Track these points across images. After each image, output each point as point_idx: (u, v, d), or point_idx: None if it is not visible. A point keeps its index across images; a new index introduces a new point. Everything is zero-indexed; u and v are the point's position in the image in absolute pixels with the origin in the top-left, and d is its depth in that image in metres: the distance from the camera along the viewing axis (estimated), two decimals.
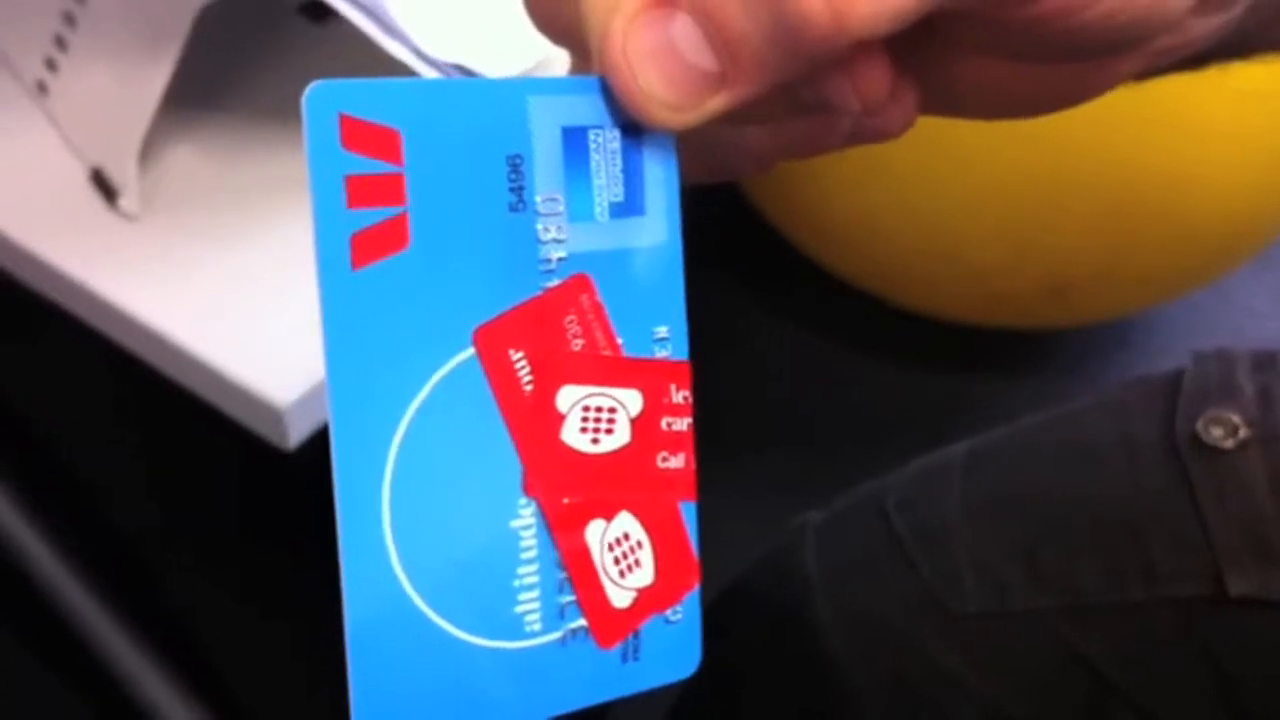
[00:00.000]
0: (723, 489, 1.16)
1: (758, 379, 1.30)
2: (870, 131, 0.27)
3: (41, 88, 0.66)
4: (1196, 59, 0.28)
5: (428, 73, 0.56)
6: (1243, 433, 0.55)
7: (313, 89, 0.22)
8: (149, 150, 0.63)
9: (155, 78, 0.59)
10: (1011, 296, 1.17)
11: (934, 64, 0.27)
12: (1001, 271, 1.13)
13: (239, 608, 1.06)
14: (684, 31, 0.22)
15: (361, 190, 0.22)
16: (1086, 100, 0.28)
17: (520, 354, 0.24)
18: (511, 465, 0.24)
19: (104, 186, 0.63)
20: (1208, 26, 0.27)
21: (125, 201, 0.63)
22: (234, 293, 0.61)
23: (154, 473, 1.11)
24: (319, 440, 0.58)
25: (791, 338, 1.32)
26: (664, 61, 0.23)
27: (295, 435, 0.58)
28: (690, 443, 0.26)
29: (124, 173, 0.62)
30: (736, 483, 1.19)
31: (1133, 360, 1.32)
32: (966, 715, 0.56)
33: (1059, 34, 0.25)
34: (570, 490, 0.25)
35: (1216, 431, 0.55)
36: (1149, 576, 0.55)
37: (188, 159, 0.66)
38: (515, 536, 0.24)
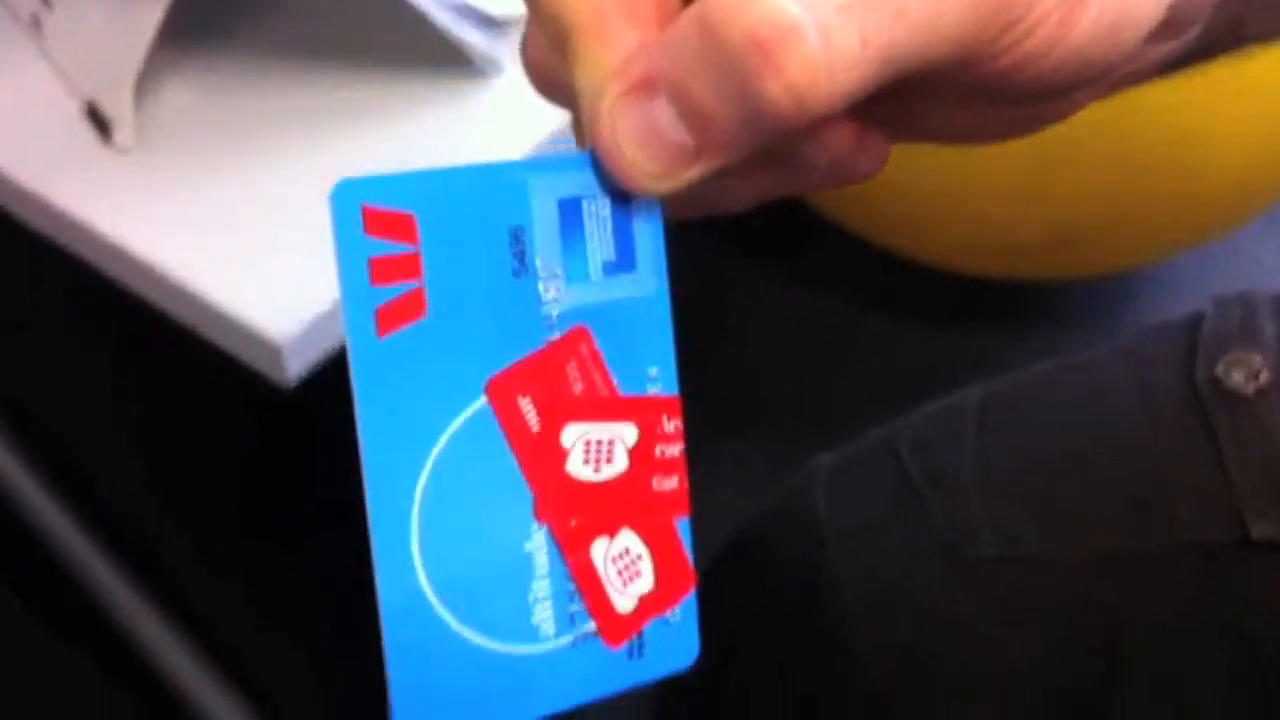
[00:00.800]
0: (738, 446, 1.15)
1: (768, 335, 1.29)
2: (842, 176, 0.29)
3: (36, 23, 0.65)
4: (1162, 70, 0.31)
5: (432, 11, 0.56)
6: (1264, 377, 0.54)
7: (338, 186, 0.25)
8: (144, 85, 0.62)
9: (150, 11, 0.58)
10: (1020, 248, 1.16)
11: (901, 110, 0.29)
12: (1009, 222, 1.12)
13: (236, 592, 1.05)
14: (662, 112, 0.25)
15: (383, 269, 0.25)
16: (1056, 123, 0.30)
17: (527, 399, 0.27)
18: (524, 496, 0.27)
19: (99, 121, 0.62)
20: (1164, 50, 0.30)
21: (120, 136, 0.62)
22: (231, 227, 0.60)
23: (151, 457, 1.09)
24: (312, 398, 0.57)
25: (800, 293, 1.31)
26: (646, 138, 0.26)
27: (294, 370, 0.57)
28: (683, 466, 0.29)
29: (119, 107, 0.61)
30: (750, 439, 1.18)
31: (1141, 313, 1.31)
32: (977, 667, 0.55)
33: (1016, 85, 0.27)
34: (576, 514, 0.28)
35: (1237, 375, 0.54)
36: (1169, 523, 0.54)
37: (183, 93, 0.65)
38: (529, 557, 0.28)
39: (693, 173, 0.26)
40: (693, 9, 0.25)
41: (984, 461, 0.57)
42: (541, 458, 0.27)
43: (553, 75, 0.29)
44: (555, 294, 0.27)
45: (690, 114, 0.25)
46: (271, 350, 0.56)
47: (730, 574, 0.63)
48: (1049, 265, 1.21)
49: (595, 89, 0.27)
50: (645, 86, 0.26)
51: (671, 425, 0.29)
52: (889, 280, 1.28)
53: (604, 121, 0.26)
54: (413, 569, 0.27)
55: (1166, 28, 0.28)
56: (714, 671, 0.62)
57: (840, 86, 0.24)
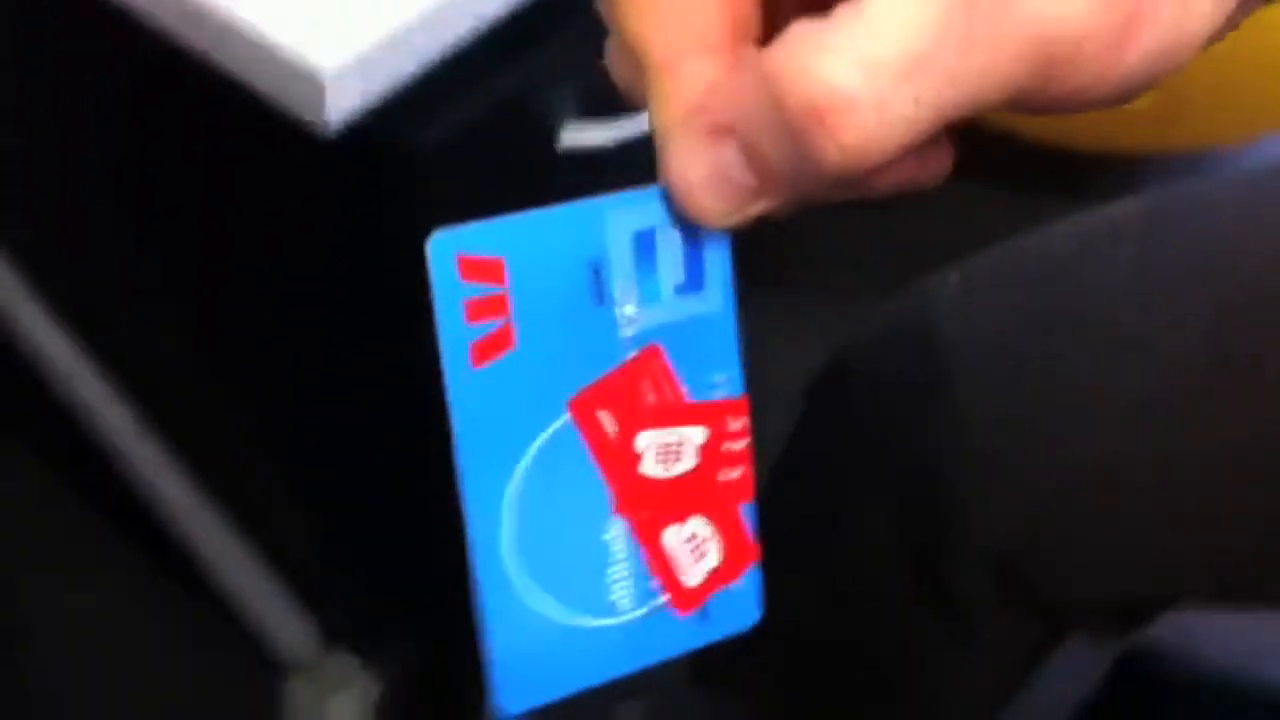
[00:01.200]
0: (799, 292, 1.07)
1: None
2: (911, 188, 0.31)
3: None
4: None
5: None
6: None
7: (435, 238, 0.28)
8: None
9: None
10: (1123, 118, 1.07)
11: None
12: None
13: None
14: (730, 157, 0.28)
15: (476, 309, 0.28)
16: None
17: (605, 412, 0.30)
18: (602, 495, 0.31)
19: None
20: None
21: None
22: None
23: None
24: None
25: None
26: (714, 180, 0.28)
27: (336, 112, 0.49)
28: (748, 458, 0.32)
29: None
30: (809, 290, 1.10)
31: None
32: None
33: (1070, 108, 0.28)
34: (650, 507, 0.31)
35: None
36: None
37: None
38: (607, 545, 0.31)
39: (757, 209, 0.29)
40: (762, 67, 0.27)
41: (1143, 279, 0.49)
42: (618, 461, 0.31)
43: (633, 88, 0.31)
44: (630, 317, 0.30)
45: (754, 162, 0.27)
46: (314, 87, 0.49)
47: (833, 396, 0.56)
48: (1153, 137, 1.12)
49: (668, 128, 0.29)
50: (714, 133, 0.28)
51: (737, 424, 0.32)
52: (988, 150, 1.18)
53: (675, 162, 0.28)
54: (503, 561, 0.30)
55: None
56: (820, 497, 0.55)
57: (893, 143, 0.26)
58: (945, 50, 0.25)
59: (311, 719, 0.97)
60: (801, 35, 0.26)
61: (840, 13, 0.25)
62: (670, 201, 0.29)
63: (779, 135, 0.26)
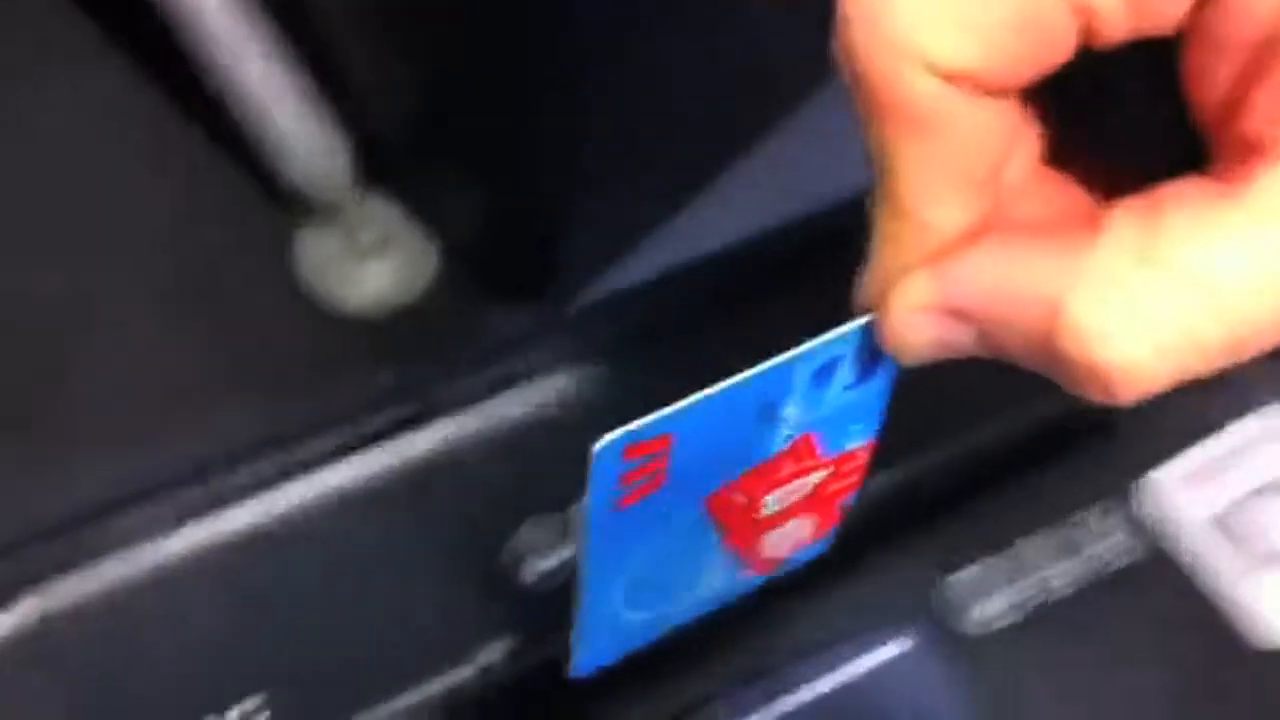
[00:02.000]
0: None
1: None
2: None
3: None
4: None
5: None
6: None
7: (599, 450, 0.25)
8: None
9: None
10: None
11: None
12: None
13: None
14: (963, 337, 0.25)
15: (631, 475, 0.27)
16: None
17: (739, 492, 0.29)
18: (714, 536, 0.30)
19: None
20: None
21: None
22: None
23: None
24: None
25: None
26: (937, 348, 0.25)
27: None
28: (860, 474, 0.31)
29: None
30: None
31: None
32: None
33: None
34: (757, 532, 0.31)
35: None
36: None
37: None
38: (708, 562, 0.31)
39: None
40: (1035, 291, 0.23)
41: None
42: (742, 522, 0.30)
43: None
44: (791, 426, 0.28)
45: (990, 348, 0.25)
46: None
47: None
48: None
49: (896, 273, 0.25)
50: (954, 315, 0.25)
51: (861, 459, 0.30)
52: None
53: (898, 321, 0.25)
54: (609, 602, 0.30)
55: None
56: None
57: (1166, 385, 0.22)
58: None
59: (340, 279, 0.77)
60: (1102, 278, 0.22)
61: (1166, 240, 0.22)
62: (865, 336, 0.27)
63: (1036, 354, 0.23)
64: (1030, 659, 0.34)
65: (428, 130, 0.76)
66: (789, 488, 0.30)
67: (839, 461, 0.30)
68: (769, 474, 0.29)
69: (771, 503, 0.30)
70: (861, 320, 0.27)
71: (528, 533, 0.37)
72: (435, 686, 0.34)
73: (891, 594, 0.35)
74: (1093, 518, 0.36)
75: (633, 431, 0.26)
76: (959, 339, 0.25)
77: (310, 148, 0.74)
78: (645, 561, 0.29)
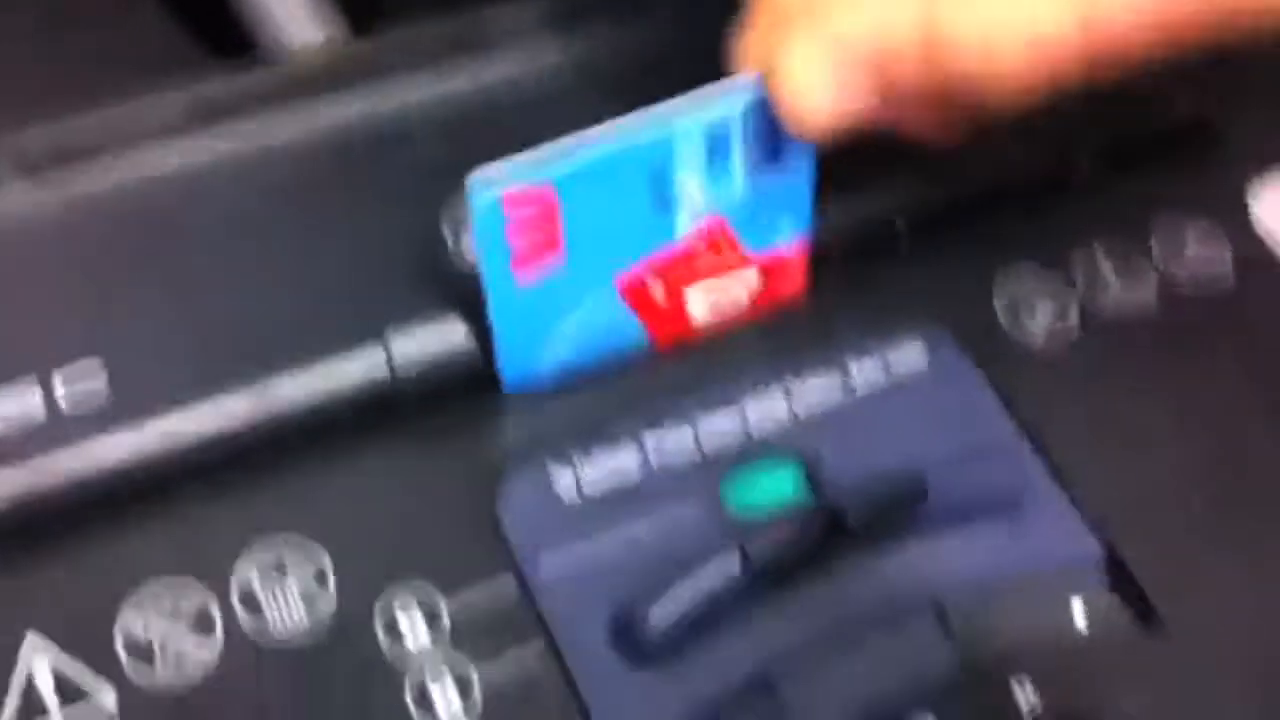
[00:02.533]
0: None
1: None
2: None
3: None
4: None
5: None
6: None
7: (474, 182, 0.24)
8: None
9: None
10: None
11: None
12: None
13: None
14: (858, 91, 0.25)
15: (520, 228, 0.25)
16: None
17: (656, 280, 0.27)
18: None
19: None
20: None
21: None
22: None
23: None
24: None
25: None
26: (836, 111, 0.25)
27: None
28: (800, 283, 0.29)
29: None
30: None
31: None
32: None
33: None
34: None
35: None
36: None
37: None
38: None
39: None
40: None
41: None
42: (667, 320, 0.28)
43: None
44: (694, 208, 0.27)
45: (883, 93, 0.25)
46: None
47: None
48: None
49: (777, 34, 0.26)
50: (848, 66, 0.25)
51: (798, 263, 0.29)
52: None
53: (795, 87, 0.25)
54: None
55: None
56: None
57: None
58: None
59: None
60: None
61: None
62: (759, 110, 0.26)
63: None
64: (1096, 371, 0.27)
65: None
66: (714, 284, 0.28)
67: (770, 264, 0.28)
68: (685, 262, 0.27)
69: (697, 302, 0.28)
70: (744, 84, 0.25)
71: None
72: (336, 374, 0.27)
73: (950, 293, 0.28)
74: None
75: (510, 169, 0.24)
76: (854, 94, 0.25)
77: None
78: (565, 345, 0.27)
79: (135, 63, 0.43)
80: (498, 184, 0.24)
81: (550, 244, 0.25)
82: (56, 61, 0.45)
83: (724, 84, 0.25)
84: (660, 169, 0.26)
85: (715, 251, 0.28)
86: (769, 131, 0.26)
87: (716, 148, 0.26)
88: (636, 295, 0.27)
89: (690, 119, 0.25)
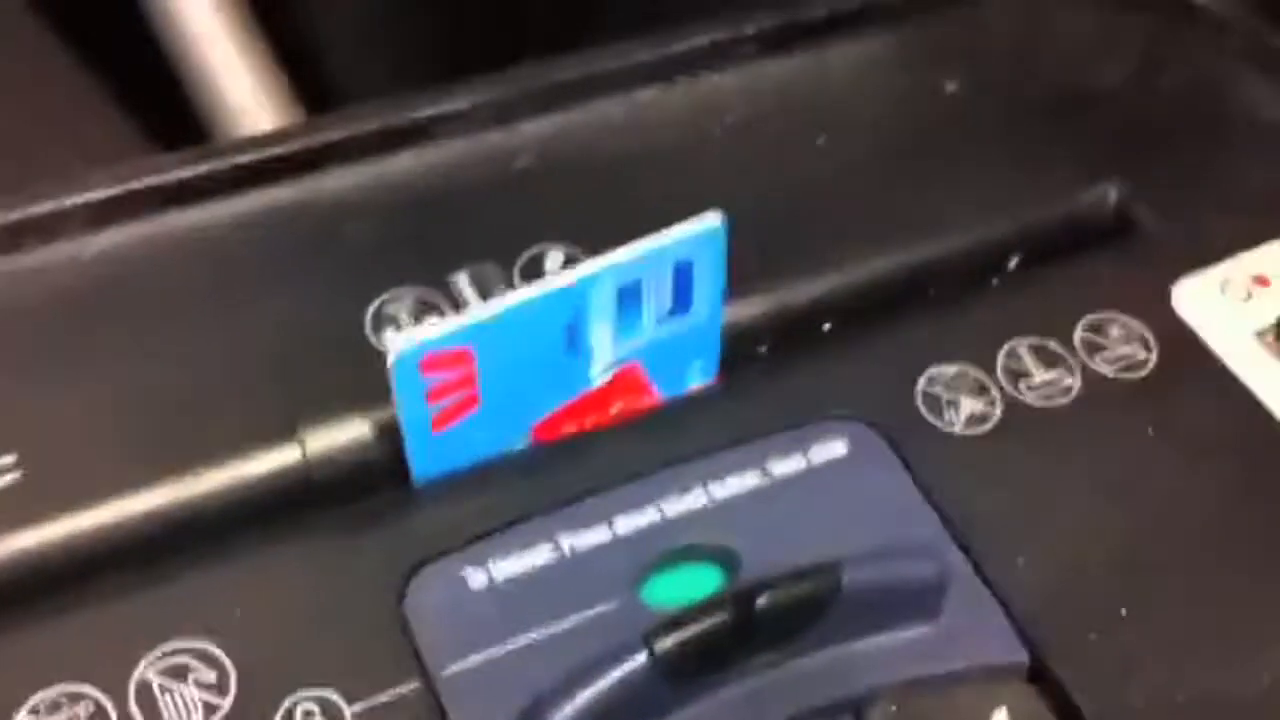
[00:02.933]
0: None
1: None
2: None
3: None
4: None
5: None
6: None
7: (397, 357, 0.25)
8: None
9: None
10: None
11: None
12: None
13: None
14: None
15: (439, 392, 0.26)
16: None
17: (571, 425, 0.28)
18: None
19: None
20: None
21: None
22: None
23: None
24: None
25: None
26: None
27: None
28: None
29: None
30: None
31: None
32: None
33: None
34: None
35: None
36: None
37: None
38: None
39: None
40: None
41: None
42: None
43: None
44: (606, 355, 0.27)
45: None
46: None
47: None
48: None
49: None
50: None
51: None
52: None
53: None
54: None
55: None
56: None
57: None
58: None
59: None
60: None
61: None
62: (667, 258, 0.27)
63: None
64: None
65: None
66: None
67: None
68: (597, 406, 0.28)
69: None
70: (657, 241, 0.26)
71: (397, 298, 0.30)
72: (247, 468, 0.26)
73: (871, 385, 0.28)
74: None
75: (428, 341, 0.25)
76: None
77: None
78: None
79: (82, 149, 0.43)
80: (417, 348, 0.25)
81: (468, 402, 0.26)
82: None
83: (639, 242, 0.26)
84: (575, 320, 0.26)
85: (628, 395, 0.28)
86: (679, 281, 0.27)
87: (627, 298, 0.27)
88: (552, 439, 0.28)
89: (604, 271, 0.26)
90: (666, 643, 0.22)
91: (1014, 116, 0.34)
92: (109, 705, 0.23)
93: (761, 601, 0.23)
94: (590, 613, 0.24)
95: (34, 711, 0.23)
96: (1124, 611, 0.25)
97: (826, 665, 0.23)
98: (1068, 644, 0.24)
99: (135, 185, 0.31)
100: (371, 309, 0.29)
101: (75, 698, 0.23)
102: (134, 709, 0.23)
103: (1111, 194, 0.32)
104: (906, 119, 0.34)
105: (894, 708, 0.23)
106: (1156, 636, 0.25)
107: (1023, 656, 0.24)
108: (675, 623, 0.23)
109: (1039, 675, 0.24)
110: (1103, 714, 0.24)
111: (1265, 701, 0.24)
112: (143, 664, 0.23)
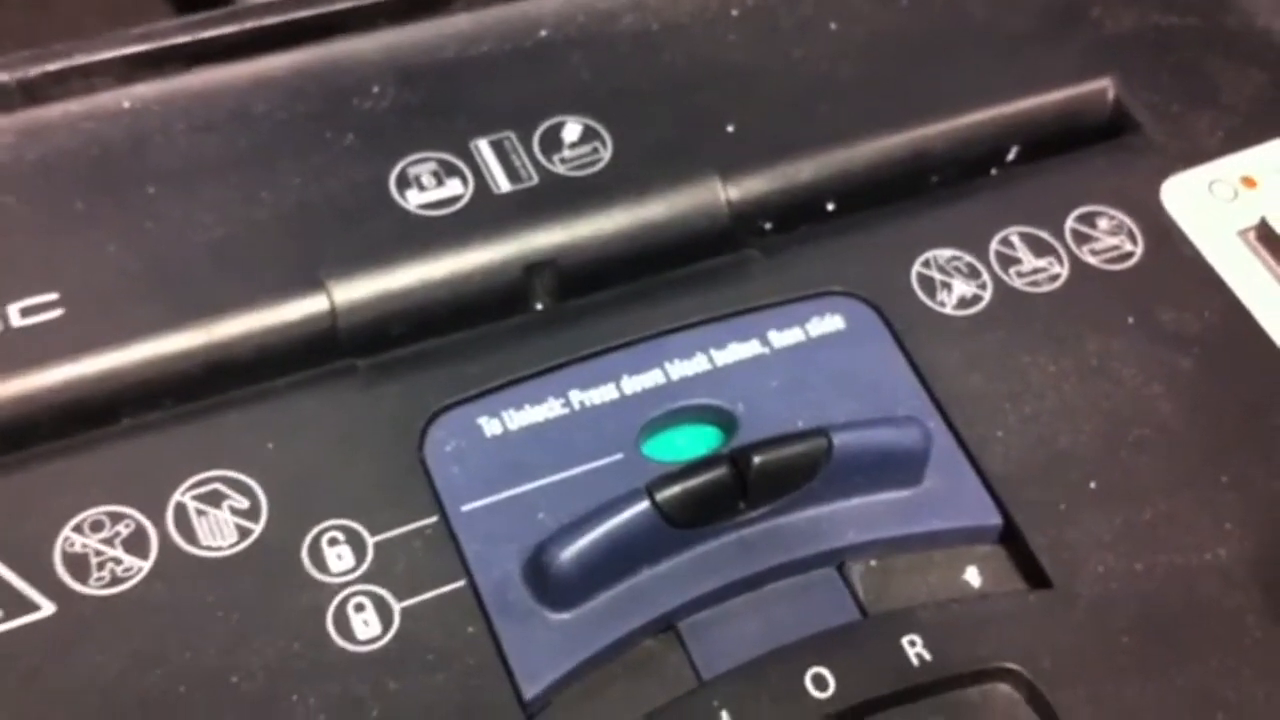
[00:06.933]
0: None
1: None
2: None
3: None
4: None
5: None
6: None
7: None
8: None
9: None
10: None
11: None
12: None
13: None
14: None
15: None
16: None
17: None
18: None
19: None
20: None
21: None
22: None
23: None
24: None
25: None
26: None
27: None
28: None
29: None
30: None
31: None
32: None
33: None
34: None
35: None
36: None
37: None
38: None
39: None
40: None
41: None
42: None
43: None
44: None
45: None
46: None
47: None
48: None
49: None
50: None
51: None
52: None
53: None
54: None
55: None
56: None
57: None
58: None
59: None
60: None
61: None
62: None
63: None
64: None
65: None
66: None
67: None
68: None
69: None
70: None
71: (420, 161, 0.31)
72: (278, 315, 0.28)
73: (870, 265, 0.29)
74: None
75: None
76: None
77: None
78: None
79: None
80: None
81: None
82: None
83: None
84: None
85: None
86: None
87: None
88: None
89: None
90: (667, 493, 0.24)
91: (1024, 15, 0.35)
92: (148, 524, 0.25)
93: (756, 461, 0.25)
94: (596, 463, 0.26)
95: (78, 529, 0.24)
96: (1093, 485, 0.27)
97: (814, 522, 0.25)
98: (1037, 512, 0.26)
99: (164, 42, 0.32)
100: (395, 171, 0.31)
101: (116, 517, 0.25)
102: (171, 528, 0.25)
103: (1110, 90, 0.33)
104: (919, 15, 0.35)
105: (873, 563, 0.25)
106: (1121, 510, 0.27)
107: (995, 520, 0.26)
108: (676, 475, 0.25)
109: (1009, 539, 0.26)
110: (1065, 577, 0.25)
111: (1218, 575, 0.26)
112: (180, 489, 0.25)
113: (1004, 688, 0.24)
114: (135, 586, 0.24)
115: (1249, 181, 0.33)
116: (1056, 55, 0.34)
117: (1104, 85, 0.33)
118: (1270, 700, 0.24)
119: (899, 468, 0.26)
